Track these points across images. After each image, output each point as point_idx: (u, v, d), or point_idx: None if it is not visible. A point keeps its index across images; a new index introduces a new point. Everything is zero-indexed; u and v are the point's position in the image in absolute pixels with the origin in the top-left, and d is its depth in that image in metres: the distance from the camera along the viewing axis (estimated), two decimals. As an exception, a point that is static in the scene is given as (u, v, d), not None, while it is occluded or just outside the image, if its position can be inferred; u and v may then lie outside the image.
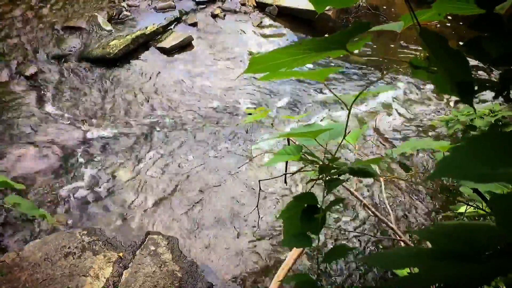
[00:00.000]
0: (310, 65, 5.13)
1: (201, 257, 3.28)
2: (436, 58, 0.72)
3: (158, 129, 4.52)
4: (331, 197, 3.27)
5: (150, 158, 4.13)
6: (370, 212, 2.97)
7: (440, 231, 0.71)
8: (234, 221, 3.57)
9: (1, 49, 5.09)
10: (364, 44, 0.83)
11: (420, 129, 4.57)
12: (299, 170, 1.32)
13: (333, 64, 5.63)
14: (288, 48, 0.77)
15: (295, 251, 2.62)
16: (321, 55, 0.81)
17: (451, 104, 4.89)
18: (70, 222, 3.48)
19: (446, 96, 4.99)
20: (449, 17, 6.40)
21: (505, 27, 0.62)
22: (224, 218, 3.59)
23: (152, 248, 3.25)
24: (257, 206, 1.90)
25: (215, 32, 6.36)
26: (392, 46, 5.95)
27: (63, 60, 5.30)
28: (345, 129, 1.17)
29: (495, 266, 0.53)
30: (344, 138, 1.15)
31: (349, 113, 1.08)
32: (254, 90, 5.19)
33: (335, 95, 1.07)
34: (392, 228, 1.61)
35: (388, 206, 1.96)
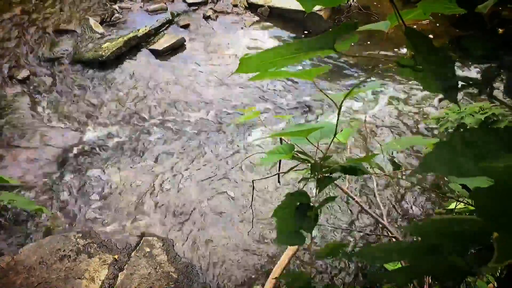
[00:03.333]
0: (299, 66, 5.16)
1: (196, 258, 3.29)
2: (421, 56, 0.74)
3: (151, 131, 4.52)
4: (324, 195, 3.29)
5: (144, 161, 4.13)
6: (362, 209, 2.99)
7: (429, 226, 0.73)
8: (228, 221, 3.58)
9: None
10: (351, 43, 0.85)
11: (412, 127, 4.60)
12: (291, 169, 1.34)
13: (317, 64, 5.65)
14: (277, 48, 0.78)
15: (290, 250, 2.64)
16: (310, 55, 0.83)
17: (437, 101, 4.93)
18: (64, 225, 3.48)
19: (438, 95, 5.02)
20: (432, 17, 6.45)
21: (486, 26, 0.64)
22: (218, 218, 3.60)
23: (147, 250, 3.26)
24: (251, 205, 1.92)
25: (208, 34, 6.36)
26: (382, 44, 5.98)
27: (55, 63, 5.29)
28: (336, 128, 1.18)
29: (476, 258, 0.54)
30: (335, 136, 1.16)
31: (339, 111, 1.10)
32: (247, 89, 5.20)
33: (325, 94, 1.08)
34: (383, 225, 1.62)
35: (380, 203, 1.98)
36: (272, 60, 0.81)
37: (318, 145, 1.23)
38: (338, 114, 1.11)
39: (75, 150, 4.19)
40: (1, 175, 1.53)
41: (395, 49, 5.90)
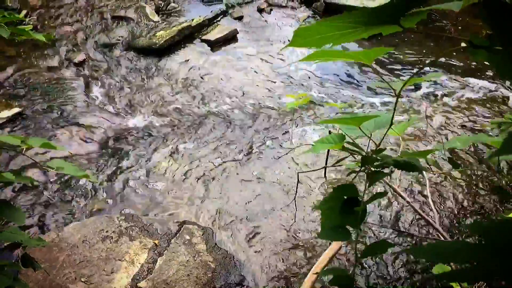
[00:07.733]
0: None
1: (235, 250, 3.25)
2: (501, 34, 0.64)
3: (199, 120, 4.53)
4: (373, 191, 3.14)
5: (190, 149, 4.14)
6: (412, 210, 2.84)
7: (494, 226, 0.65)
8: (270, 214, 3.51)
9: (54, 35, 5.25)
10: (419, 20, 0.75)
11: (471, 130, 4.31)
12: (339, 161, 1.26)
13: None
14: (335, 20, 0.71)
15: (334, 246, 2.54)
16: (372, 31, 0.74)
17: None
18: (108, 207, 3.54)
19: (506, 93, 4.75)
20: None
21: None
22: (260, 211, 3.55)
23: (187, 237, 3.26)
24: (294, 198, 1.85)
25: (260, 27, 6.33)
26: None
27: (111, 48, 5.42)
28: (392, 119, 1.09)
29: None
30: (390, 127, 1.08)
31: (397, 100, 1.01)
32: (296, 81, 5.12)
33: (384, 80, 1.00)
34: (436, 229, 1.51)
35: (432, 205, 1.86)
36: (329, 34, 0.73)
37: (371, 137, 1.14)
38: (396, 103, 1.02)
39: (123, 134, 4.26)
40: (48, 141, 1.53)
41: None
